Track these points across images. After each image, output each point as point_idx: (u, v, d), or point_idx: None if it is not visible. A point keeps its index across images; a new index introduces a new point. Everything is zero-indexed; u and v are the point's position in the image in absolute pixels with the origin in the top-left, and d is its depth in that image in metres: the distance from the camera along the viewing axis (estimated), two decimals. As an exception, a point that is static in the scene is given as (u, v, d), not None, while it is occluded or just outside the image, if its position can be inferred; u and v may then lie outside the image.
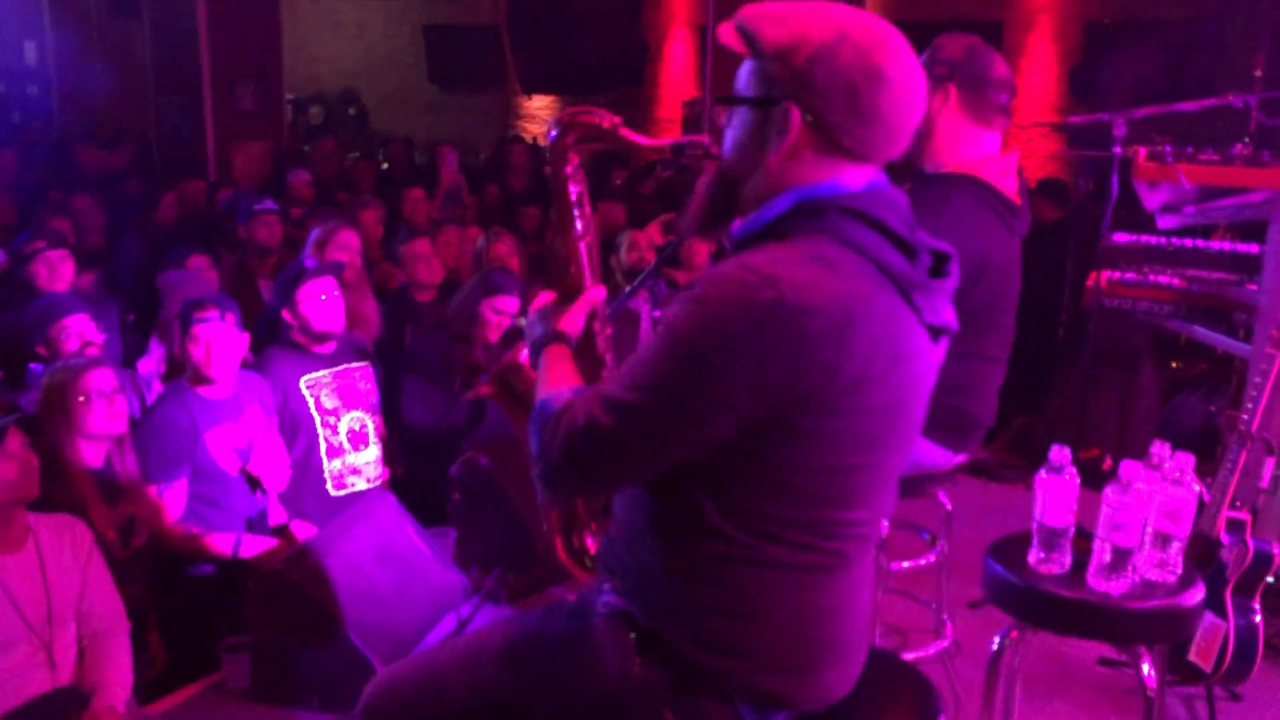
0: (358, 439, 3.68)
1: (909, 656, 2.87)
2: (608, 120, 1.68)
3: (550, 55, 10.62)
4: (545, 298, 1.73)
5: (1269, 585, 2.92)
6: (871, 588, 1.61)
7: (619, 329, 1.94)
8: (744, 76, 1.46)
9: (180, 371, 3.42)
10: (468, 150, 11.29)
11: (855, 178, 1.42)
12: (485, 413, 3.73)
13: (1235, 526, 2.86)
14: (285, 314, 3.58)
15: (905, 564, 3.07)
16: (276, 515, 3.46)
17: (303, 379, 3.58)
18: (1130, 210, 4.24)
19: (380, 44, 14.09)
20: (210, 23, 8.62)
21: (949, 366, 2.43)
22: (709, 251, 4.03)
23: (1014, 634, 2.32)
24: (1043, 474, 2.24)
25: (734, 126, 1.48)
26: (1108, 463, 4.26)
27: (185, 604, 3.19)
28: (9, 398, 3.44)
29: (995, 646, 2.34)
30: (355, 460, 3.68)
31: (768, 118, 1.42)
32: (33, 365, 3.51)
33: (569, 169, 1.72)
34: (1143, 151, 3.42)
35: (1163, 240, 3.95)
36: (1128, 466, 2.18)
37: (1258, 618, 2.85)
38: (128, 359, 4.08)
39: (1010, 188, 2.50)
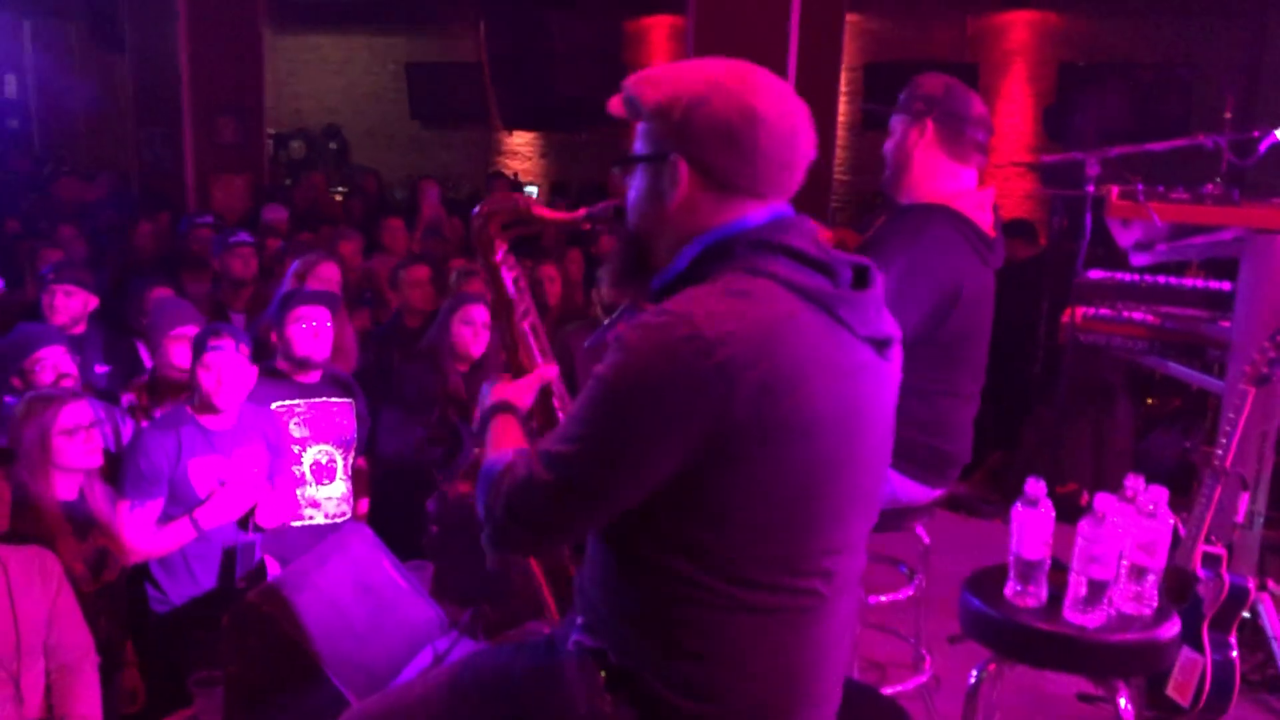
0: (322, 472, 3.64)
1: (888, 691, 2.86)
2: (522, 201, 1.80)
3: (532, 93, 10.71)
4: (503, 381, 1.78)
5: (1245, 620, 2.93)
6: (853, 632, 1.58)
7: (598, 361, 1.96)
8: (636, 139, 1.52)
9: (162, 393, 3.39)
10: (449, 185, 11.33)
11: (757, 214, 1.45)
12: (463, 445, 3.71)
13: (1211, 561, 2.88)
14: (272, 336, 3.57)
15: (884, 598, 3.06)
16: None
17: (274, 405, 3.55)
18: (1104, 247, 4.29)
19: (363, 80, 14.18)
20: (192, 55, 8.63)
21: (921, 404, 2.47)
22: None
23: (991, 667, 2.32)
24: (1018, 507, 2.25)
25: (633, 188, 1.53)
26: (1084, 498, 4.28)
27: (157, 638, 3.14)
28: (-20, 430, 3.40)
29: (973, 680, 2.34)
30: (316, 494, 3.63)
31: (659, 173, 1.47)
32: (7, 398, 3.47)
33: (498, 256, 1.82)
34: (1116, 190, 3.46)
35: (1136, 277, 3.99)
36: (1102, 499, 2.19)
37: (1234, 652, 2.86)
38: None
39: (985, 221, 2.53)
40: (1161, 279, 4.00)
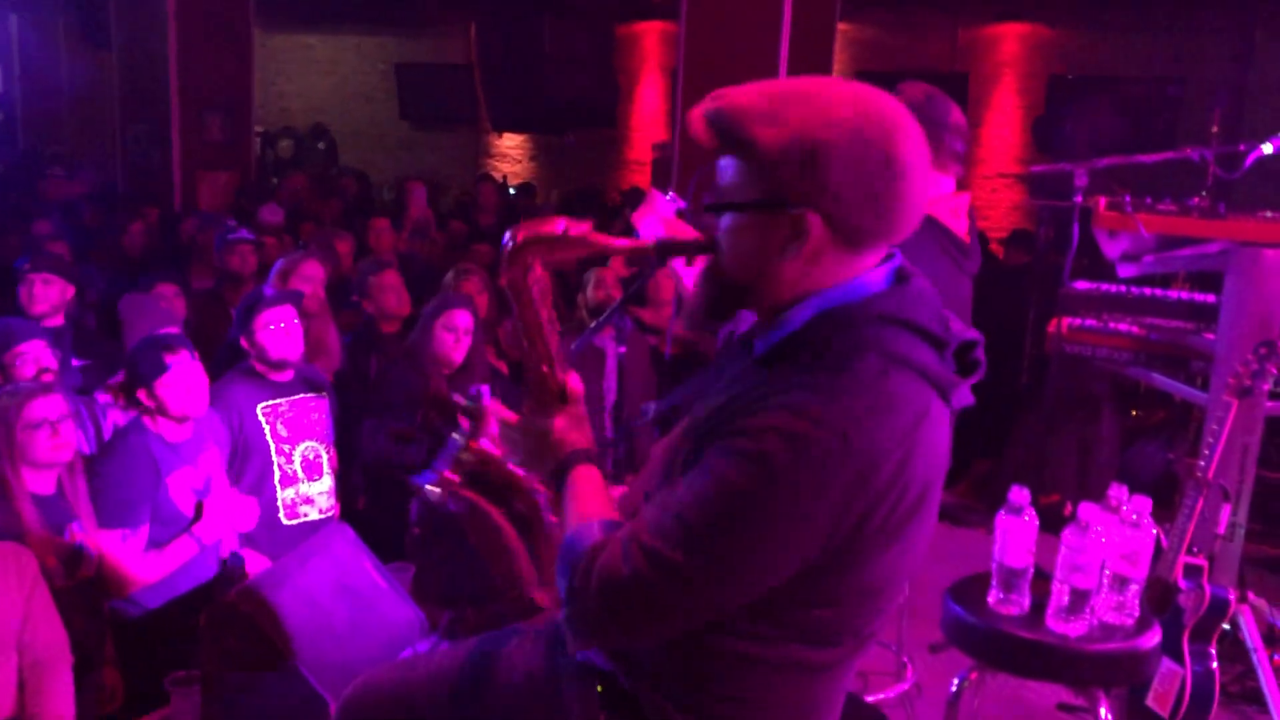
0: (312, 469, 3.65)
1: (870, 699, 2.85)
2: (574, 229, 1.44)
3: (522, 95, 10.69)
4: (510, 416, 1.62)
5: (1225, 631, 2.93)
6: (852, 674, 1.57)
7: (584, 366, 1.92)
8: (736, 176, 1.32)
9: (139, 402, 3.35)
10: (438, 187, 11.30)
11: (877, 272, 1.33)
12: (444, 447, 3.68)
13: (1193, 572, 2.88)
14: (243, 342, 3.55)
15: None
16: (228, 544, 3.41)
17: (259, 405, 3.54)
18: (1091, 258, 4.30)
19: (352, 80, 14.15)
20: (180, 53, 8.59)
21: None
22: (673, 290, 4.04)
23: (973, 676, 2.32)
24: (1002, 515, 2.25)
25: (733, 230, 1.34)
26: (1068, 508, 4.28)
27: (134, 636, 3.11)
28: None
29: (954, 688, 2.33)
30: (309, 490, 3.64)
31: (776, 224, 1.29)
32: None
33: (532, 277, 1.50)
34: (1103, 201, 3.47)
35: (1122, 289, 4.01)
36: (1086, 509, 2.19)
37: (1214, 664, 2.86)
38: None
39: (961, 227, 2.54)
40: (1148, 290, 4.01)
